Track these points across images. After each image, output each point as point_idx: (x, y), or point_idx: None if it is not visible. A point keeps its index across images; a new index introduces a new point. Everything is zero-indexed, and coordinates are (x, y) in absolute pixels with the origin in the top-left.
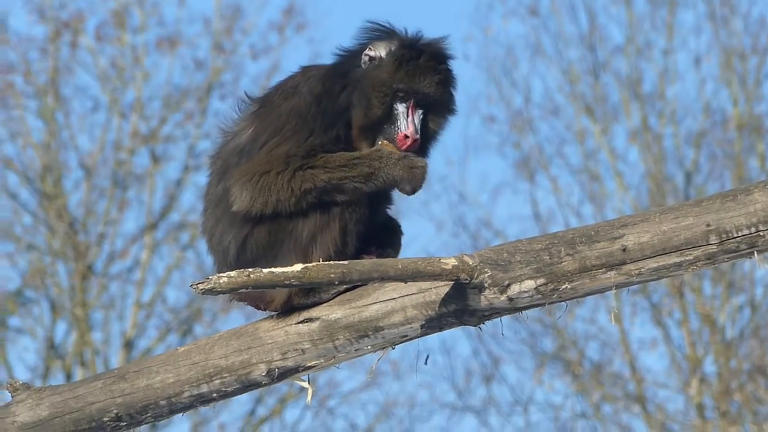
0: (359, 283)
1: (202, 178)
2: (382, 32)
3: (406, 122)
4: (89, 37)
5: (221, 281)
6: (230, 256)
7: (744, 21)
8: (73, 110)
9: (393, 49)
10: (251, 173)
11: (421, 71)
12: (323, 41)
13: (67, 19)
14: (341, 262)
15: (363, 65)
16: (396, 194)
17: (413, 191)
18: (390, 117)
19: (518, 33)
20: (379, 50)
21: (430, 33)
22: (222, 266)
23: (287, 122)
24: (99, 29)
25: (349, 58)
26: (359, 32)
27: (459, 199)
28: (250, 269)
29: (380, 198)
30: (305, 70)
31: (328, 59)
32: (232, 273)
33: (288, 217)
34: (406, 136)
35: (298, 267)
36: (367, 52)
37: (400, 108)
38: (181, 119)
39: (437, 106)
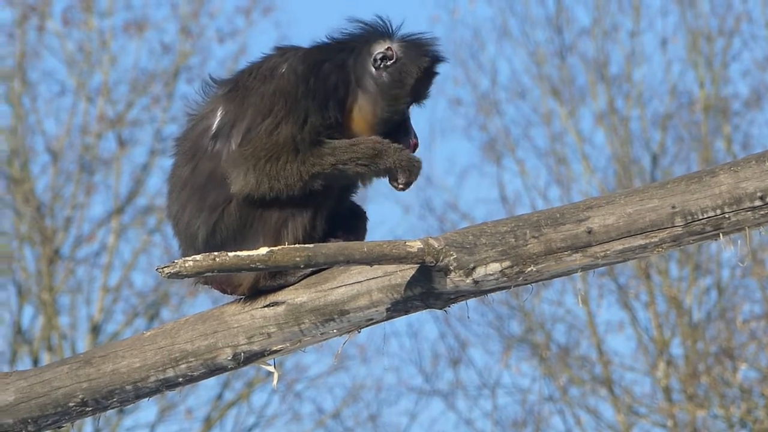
0: (325, 267)
1: (168, 162)
2: (381, 29)
3: (413, 129)
4: (56, 21)
5: (187, 265)
6: (198, 241)
7: (710, 2)
8: (40, 94)
9: (410, 51)
10: (257, 158)
11: (434, 78)
12: (290, 24)
13: (34, 3)
14: (307, 245)
15: (374, 62)
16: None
17: (407, 184)
18: (401, 122)
19: (485, 15)
20: (396, 51)
21: (396, 16)
22: (189, 250)
23: (274, 103)
24: (66, 13)
25: (343, 49)
26: (352, 23)
27: (426, 182)
28: (216, 253)
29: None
30: (281, 51)
31: (295, 42)
32: (198, 257)
33: (260, 201)
34: (416, 145)
35: (263, 250)
36: (383, 51)
37: (408, 113)
38: (147, 103)
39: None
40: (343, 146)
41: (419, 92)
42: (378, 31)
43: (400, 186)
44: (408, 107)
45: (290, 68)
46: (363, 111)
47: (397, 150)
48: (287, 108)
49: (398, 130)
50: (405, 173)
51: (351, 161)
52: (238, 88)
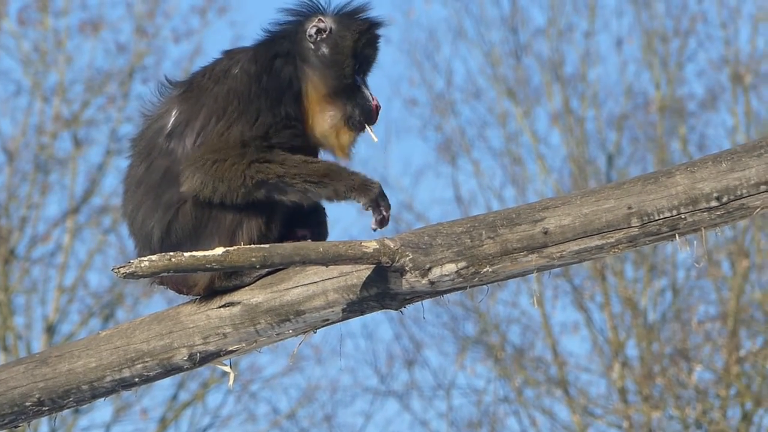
0: (281, 267)
1: (124, 162)
2: (313, 6)
3: (370, 93)
4: (11, 20)
5: (143, 265)
6: (154, 241)
7: (666, 3)
8: None
9: (343, 19)
10: (205, 158)
11: (375, 41)
12: (245, 24)
13: None
14: (262, 245)
15: (309, 38)
16: None
17: (381, 222)
18: (354, 88)
19: (440, 16)
20: (327, 22)
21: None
22: (145, 250)
23: (228, 103)
24: (21, 13)
25: (284, 37)
26: (284, 12)
27: (381, 183)
28: (172, 253)
29: None
30: (230, 53)
31: (250, 42)
32: (154, 257)
33: (218, 202)
34: (377, 107)
35: (219, 251)
36: (315, 24)
37: (359, 79)
38: (103, 103)
39: (370, 73)
40: (294, 160)
41: (362, 56)
42: (310, 10)
43: (374, 226)
44: (356, 73)
45: (242, 69)
46: (315, 88)
47: (351, 174)
48: (240, 109)
49: (354, 97)
50: (362, 198)
51: (299, 176)
52: (192, 88)
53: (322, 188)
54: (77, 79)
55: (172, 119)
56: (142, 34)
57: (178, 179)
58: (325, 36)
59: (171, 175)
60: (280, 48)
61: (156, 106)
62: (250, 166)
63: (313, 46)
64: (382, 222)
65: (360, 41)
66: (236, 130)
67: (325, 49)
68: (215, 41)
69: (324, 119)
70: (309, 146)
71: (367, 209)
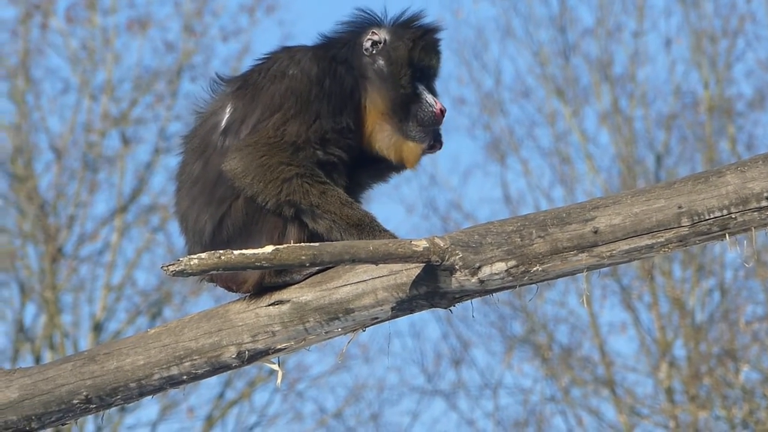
0: (330, 265)
1: (172, 161)
2: (369, 18)
3: (433, 98)
4: (60, 18)
5: (192, 263)
6: (205, 236)
7: (714, 3)
8: (43, 92)
9: (397, 29)
10: (256, 149)
11: (432, 47)
12: (293, 23)
13: (38, 1)
14: (312, 244)
15: (366, 52)
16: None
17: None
18: (414, 96)
19: (488, 15)
20: (381, 34)
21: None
22: (196, 246)
23: (285, 101)
24: (69, 11)
25: (342, 45)
26: (344, 20)
27: (429, 182)
28: (221, 251)
29: (360, 181)
30: (288, 51)
31: (299, 41)
32: (203, 255)
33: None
34: (442, 111)
35: (269, 249)
36: (369, 37)
37: (420, 86)
38: (151, 101)
39: (435, 81)
40: (335, 195)
41: (419, 65)
42: (365, 23)
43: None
44: (415, 81)
45: (303, 69)
46: (374, 102)
47: (381, 232)
48: (298, 107)
49: (415, 107)
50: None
51: (331, 214)
52: (247, 85)
53: (347, 236)
54: (125, 77)
55: (227, 116)
56: (190, 33)
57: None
58: (380, 48)
59: (226, 174)
60: (339, 54)
61: (209, 103)
62: (293, 180)
63: (369, 60)
64: None
65: (415, 49)
66: (293, 127)
67: (381, 62)
68: (264, 40)
69: (384, 134)
70: (367, 159)
71: None
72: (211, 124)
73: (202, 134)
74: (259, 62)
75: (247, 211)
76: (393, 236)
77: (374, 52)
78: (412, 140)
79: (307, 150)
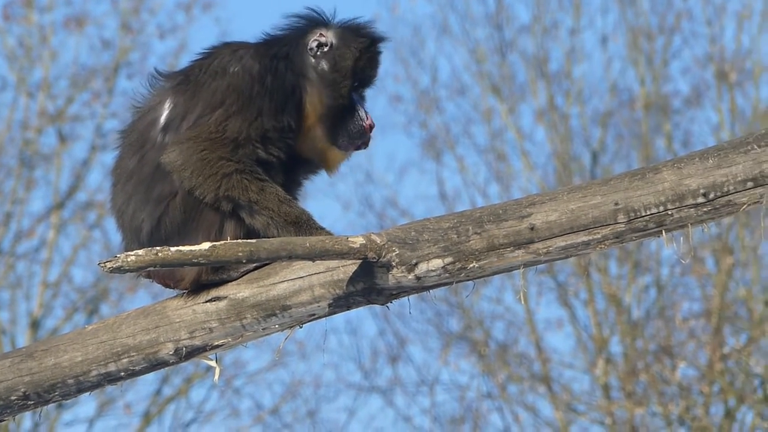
0: (267, 262)
1: (109, 158)
2: (317, 18)
3: (365, 112)
4: None
5: (129, 260)
6: (143, 234)
7: (651, 1)
8: None
9: (345, 34)
10: (196, 143)
11: (376, 58)
12: (230, 20)
13: None
14: (249, 240)
15: (310, 51)
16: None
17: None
18: (349, 107)
19: (425, 12)
20: (329, 37)
21: (339, 13)
22: (133, 244)
23: (226, 98)
24: (6, 8)
25: (286, 42)
26: (292, 15)
27: (365, 179)
28: (158, 248)
29: (295, 179)
30: (230, 47)
31: (235, 38)
32: (140, 251)
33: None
34: (371, 126)
35: (206, 245)
36: (316, 38)
37: (355, 96)
38: (88, 99)
39: (369, 89)
40: (272, 193)
41: (361, 75)
42: (313, 22)
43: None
44: (353, 91)
45: (244, 66)
46: (312, 104)
47: (318, 230)
48: (239, 104)
49: (347, 117)
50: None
51: (268, 211)
52: (188, 81)
53: (284, 233)
54: (62, 74)
55: (166, 112)
56: (127, 30)
57: (171, 173)
58: (326, 51)
59: (163, 168)
60: (280, 52)
61: (147, 98)
62: (233, 175)
63: (313, 61)
64: None
65: (360, 60)
66: (234, 123)
67: (324, 65)
68: (200, 37)
69: (315, 136)
70: (300, 158)
71: None
72: (149, 120)
73: (140, 129)
74: (200, 58)
75: (185, 209)
76: (330, 233)
77: (319, 53)
78: (338, 148)
79: (247, 147)
